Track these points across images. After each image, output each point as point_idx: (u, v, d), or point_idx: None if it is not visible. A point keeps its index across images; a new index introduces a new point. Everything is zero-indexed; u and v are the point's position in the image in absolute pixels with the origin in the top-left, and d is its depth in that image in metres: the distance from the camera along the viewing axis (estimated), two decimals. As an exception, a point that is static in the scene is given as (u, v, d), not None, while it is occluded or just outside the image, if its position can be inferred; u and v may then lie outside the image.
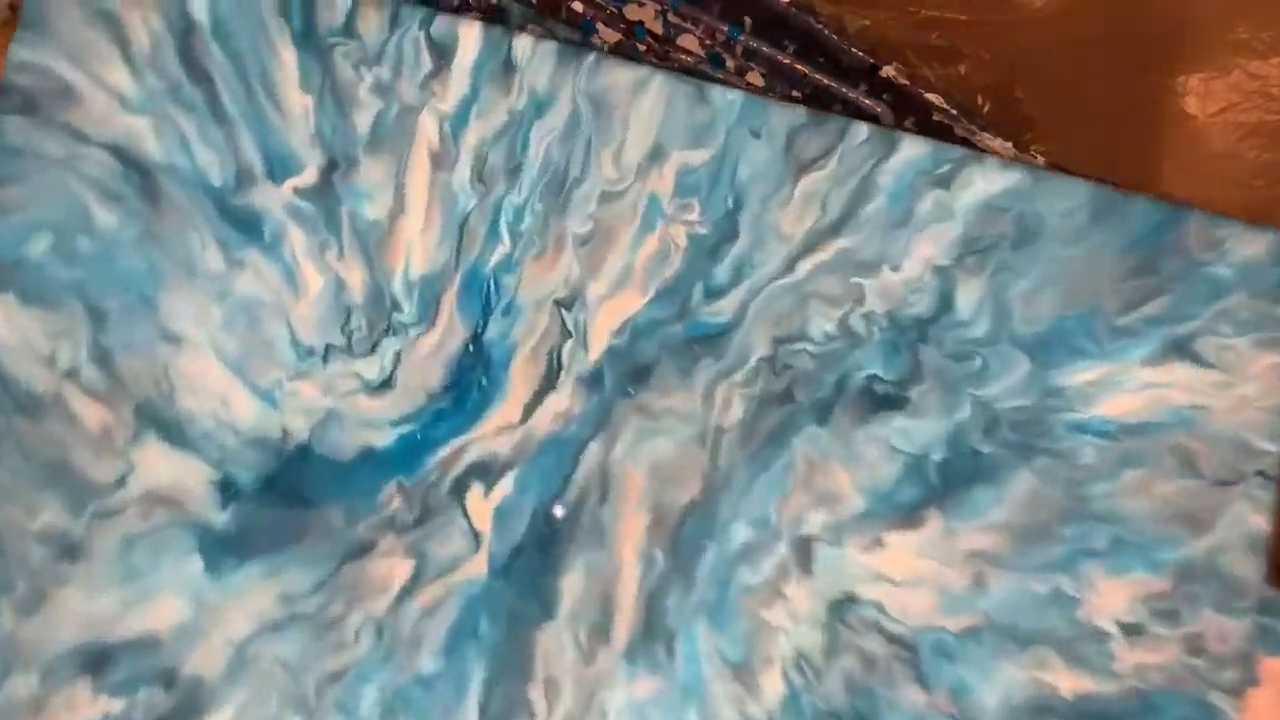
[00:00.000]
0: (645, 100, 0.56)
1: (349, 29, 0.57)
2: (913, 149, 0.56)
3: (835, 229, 0.56)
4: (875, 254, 0.56)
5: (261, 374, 0.56)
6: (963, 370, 0.55)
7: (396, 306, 0.57)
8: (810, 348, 0.56)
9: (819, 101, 0.58)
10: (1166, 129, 0.61)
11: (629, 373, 0.57)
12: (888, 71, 0.59)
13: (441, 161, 0.57)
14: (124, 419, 0.55)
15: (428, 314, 0.57)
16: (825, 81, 0.58)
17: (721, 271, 0.57)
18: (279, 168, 0.57)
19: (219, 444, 0.56)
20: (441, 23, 0.57)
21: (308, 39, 0.57)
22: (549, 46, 0.56)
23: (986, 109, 0.61)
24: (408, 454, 0.56)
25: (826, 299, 0.57)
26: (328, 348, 0.56)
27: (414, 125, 0.57)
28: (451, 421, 0.56)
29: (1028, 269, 0.55)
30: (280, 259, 0.57)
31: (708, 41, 0.59)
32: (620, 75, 0.56)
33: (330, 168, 0.57)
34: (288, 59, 0.57)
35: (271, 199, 0.57)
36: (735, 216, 0.56)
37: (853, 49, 0.59)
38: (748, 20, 0.59)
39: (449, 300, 0.57)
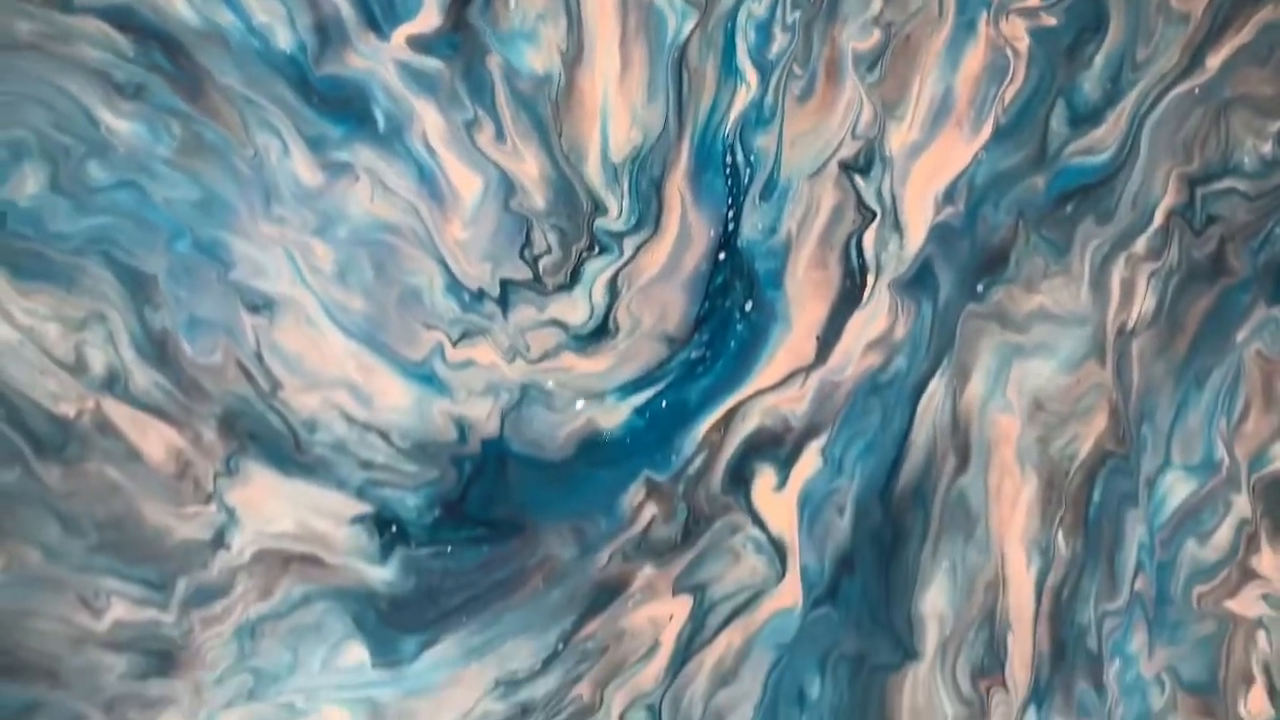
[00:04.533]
0: None
1: None
2: None
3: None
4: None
5: (408, 341, 0.44)
6: None
7: (598, 206, 0.45)
8: (1243, 185, 0.48)
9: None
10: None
11: (973, 261, 0.47)
12: None
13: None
14: (205, 440, 0.42)
15: (647, 212, 0.45)
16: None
17: (1090, 82, 0.47)
18: (382, 9, 0.44)
19: (360, 459, 0.44)
20: None
21: None
22: None
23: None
24: (652, 435, 0.46)
25: (1258, 106, 0.48)
26: (505, 285, 0.45)
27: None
28: (710, 375, 0.46)
29: None
30: (408, 155, 0.44)
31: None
32: None
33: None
34: None
35: (378, 61, 0.44)
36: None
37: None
38: None
39: (676, 185, 0.45)
